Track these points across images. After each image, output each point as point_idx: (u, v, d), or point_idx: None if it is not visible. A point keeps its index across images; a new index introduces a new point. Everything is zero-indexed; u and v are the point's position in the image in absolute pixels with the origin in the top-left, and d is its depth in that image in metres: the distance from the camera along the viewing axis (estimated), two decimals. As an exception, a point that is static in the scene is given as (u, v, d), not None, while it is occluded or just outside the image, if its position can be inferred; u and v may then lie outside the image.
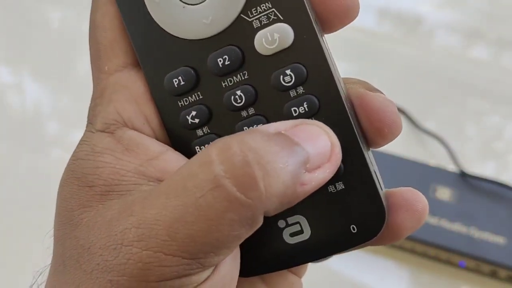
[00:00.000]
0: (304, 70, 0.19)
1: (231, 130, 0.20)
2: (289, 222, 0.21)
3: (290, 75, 0.19)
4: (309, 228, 0.21)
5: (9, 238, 0.50)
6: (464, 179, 0.52)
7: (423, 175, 0.52)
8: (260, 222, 0.18)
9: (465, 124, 0.60)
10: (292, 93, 0.20)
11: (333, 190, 0.20)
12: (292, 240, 0.21)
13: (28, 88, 0.64)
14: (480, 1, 0.70)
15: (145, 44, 0.20)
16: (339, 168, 0.19)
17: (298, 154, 0.18)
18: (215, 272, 0.19)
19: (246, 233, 0.18)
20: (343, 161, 0.19)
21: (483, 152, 0.58)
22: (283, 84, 0.20)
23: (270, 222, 0.20)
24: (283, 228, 0.21)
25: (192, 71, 0.20)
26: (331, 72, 0.20)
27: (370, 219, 0.20)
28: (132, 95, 0.21)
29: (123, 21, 0.21)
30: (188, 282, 0.18)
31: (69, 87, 0.64)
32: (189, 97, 0.20)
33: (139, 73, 0.21)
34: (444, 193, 0.51)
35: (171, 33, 0.20)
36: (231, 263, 0.20)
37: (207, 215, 0.17)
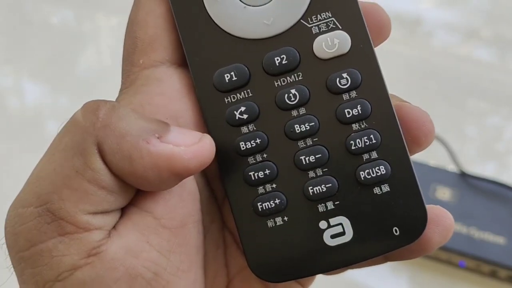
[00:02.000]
0: (359, 75, 0.21)
1: (279, 129, 0.21)
2: (331, 224, 0.21)
3: (346, 78, 0.20)
4: (351, 230, 0.21)
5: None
6: (464, 179, 0.52)
7: (423, 175, 0.52)
8: (92, 161, 0.18)
9: (465, 124, 0.60)
10: (345, 96, 0.21)
11: (379, 192, 0.21)
12: (333, 242, 0.21)
13: (27, 88, 0.64)
14: (480, 1, 0.70)
15: (196, 38, 0.21)
16: (386, 171, 0.20)
17: (155, 122, 0.19)
18: (112, 237, 0.18)
19: (83, 170, 0.18)
20: (390, 164, 0.20)
21: (483, 152, 0.58)
22: (338, 86, 0.20)
23: (311, 222, 0.21)
24: (325, 230, 0.21)
25: (245, 68, 0.21)
26: (383, 80, 0.21)
27: (412, 222, 0.21)
28: (165, 90, 0.21)
29: (173, 14, 0.21)
30: (61, 248, 0.17)
31: (69, 87, 0.64)
32: (238, 94, 0.21)
33: (177, 70, 0.21)
34: (444, 193, 0.51)
35: (228, 31, 0.21)
36: (135, 232, 0.19)
37: (51, 144, 0.18)
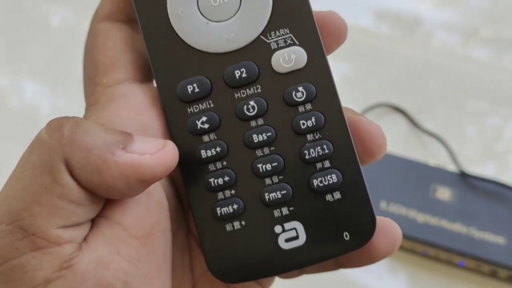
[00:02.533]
0: (314, 89, 0.22)
1: (239, 138, 0.22)
2: (286, 228, 0.22)
3: (302, 91, 0.22)
4: (304, 234, 0.22)
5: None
6: (464, 179, 0.52)
7: (423, 175, 0.52)
8: (60, 177, 0.18)
9: (465, 124, 0.60)
10: (301, 109, 0.22)
11: (330, 199, 0.22)
12: (287, 246, 0.22)
13: (27, 88, 0.64)
14: (480, 1, 0.70)
15: (161, 51, 0.22)
16: (338, 179, 0.22)
17: (118, 133, 0.19)
18: (84, 250, 0.19)
19: (52, 187, 0.18)
20: (341, 172, 0.22)
21: (483, 152, 0.58)
22: (294, 99, 0.22)
23: (267, 227, 0.22)
24: (279, 234, 0.22)
25: (207, 80, 0.22)
26: (336, 93, 0.22)
27: (362, 228, 0.22)
28: (130, 103, 0.22)
29: (139, 27, 0.22)
30: (33, 263, 0.18)
31: (68, 87, 0.64)
32: (200, 105, 0.22)
33: (139, 86, 0.22)
34: (444, 193, 0.51)
35: (191, 45, 0.22)
36: (105, 244, 0.19)
37: (18, 164, 0.19)
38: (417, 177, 0.52)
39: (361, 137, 0.22)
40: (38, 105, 0.63)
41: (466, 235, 0.48)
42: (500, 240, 0.48)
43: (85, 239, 0.19)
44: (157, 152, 0.20)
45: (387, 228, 0.23)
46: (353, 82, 0.62)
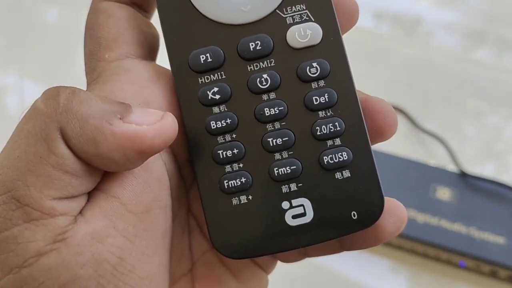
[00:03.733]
0: (328, 66, 0.22)
1: (249, 111, 0.22)
2: (293, 204, 0.22)
3: (316, 67, 0.21)
4: (312, 211, 0.22)
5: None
6: (464, 179, 0.52)
7: (423, 175, 0.52)
8: (55, 146, 0.18)
9: (465, 124, 0.60)
10: (314, 85, 0.22)
11: (340, 177, 0.22)
12: (293, 222, 0.22)
13: (27, 88, 0.64)
14: (480, 1, 0.70)
15: (174, 19, 0.22)
16: (348, 157, 0.21)
17: (116, 103, 0.19)
18: (79, 223, 0.18)
19: (47, 156, 0.18)
20: (352, 151, 0.21)
21: (483, 152, 0.58)
22: (308, 75, 0.21)
23: (274, 202, 0.22)
24: (287, 210, 0.22)
25: (221, 51, 0.21)
26: (350, 71, 0.22)
27: (370, 207, 0.22)
28: (134, 78, 0.21)
29: None
30: (26, 235, 0.17)
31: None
32: (211, 75, 0.22)
33: (142, 62, 0.22)
34: (444, 193, 0.51)
35: (206, 14, 0.22)
36: (102, 218, 0.19)
37: (13, 132, 0.18)
38: (417, 177, 0.52)
39: (373, 116, 0.22)
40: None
41: (466, 235, 0.48)
42: (500, 240, 0.48)
43: (80, 212, 0.19)
44: (156, 123, 0.19)
45: (393, 209, 0.22)
46: (353, 82, 0.62)
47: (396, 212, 0.22)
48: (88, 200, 0.19)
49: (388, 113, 0.22)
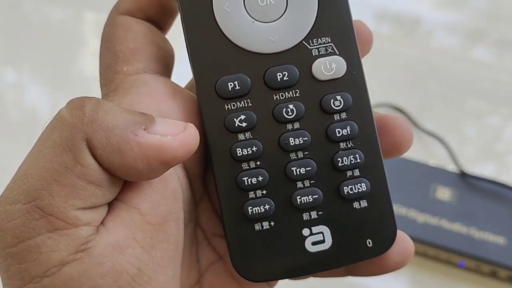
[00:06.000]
0: (351, 99, 0.22)
1: (274, 139, 0.22)
2: (313, 231, 0.22)
3: (339, 100, 0.22)
4: (330, 238, 0.22)
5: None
6: (464, 179, 0.52)
7: (423, 175, 0.52)
8: (82, 157, 0.18)
9: (465, 124, 0.60)
10: (336, 117, 0.22)
11: (358, 207, 0.23)
12: (313, 249, 0.22)
13: (27, 88, 0.64)
14: (480, 1, 0.70)
15: (202, 44, 0.22)
16: (366, 188, 0.22)
17: (139, 114, 0.19)
18: (101, 233, 0.19)
19: (73, 166, 0.18)
20: (370, 182, 0.22)
21: (483, 152, 0.58)
22: (331, 107, 0.22)
23: (295, 229, 0.22)
24: (307, 236, 0.22)
25: (248, 79, 0.22)
26: (370, 104, 0.23)
27: (384, 236, 0.23)
28: (152, 92, 0.21)
29: (181, 17, 0.22)
30: (50, 244, 0.18)
31: (68, 87, 0.64)
32: (238, 102, 0.22)
33: (160, 77, 0.22)
34: (444, 193, 0.51)
35: (235, 42, 0.22)
36: (123, 228, 0.19)
37: (37, 142, 0.18)
38: (417, 177, 0.52)
39: (391, 132, 0.23)
40: (37, 105, 0.63)
41: (466, 235, 0.48)
42: (500, 240, 0.48)
43: (102, 222, 0.19)
44: (179, 134, 0.19)
45: (401, 240, 0.23)
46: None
47: (403, 243, 0.23)
48: (108, 210, 0.20)
49: (406, 129, 0.23)
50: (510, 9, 0.70)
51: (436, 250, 0.48)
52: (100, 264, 0.18)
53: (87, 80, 0.64)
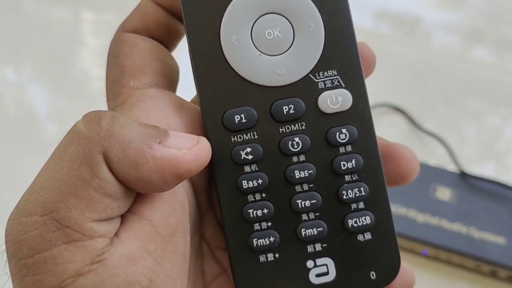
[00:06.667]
0: (356, 132, 0.23)
1: (280, 172, 0.22)
2: (318, 264, 0.23)
3: (345, 133, 0.22)
4: (334, 270, 0.23)
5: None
6: (464, 179, 0.52)
7: (423, 175, 0.52)
8: (99, 170, 0.18)
9: (465, 124, 0.60)
10: (342, 149, 0.23)
11: (362, 239, 0.23)
12: (317, 281, 0.23)
13: (26, 88, 0.64)
14: (480, 1, 0.70)
15: (209, 76, 0.22)
16: (371, 221, 0.23)
17: (154, 128, 0.20)
18: (115, 245, 0.19)
19: (90, 179, 0.18)
20: (374, 215, 0.23)
21: (483, 152, 0.58)
22: (337, 140, 0.22)
23: (300, 261, 0.23)
24: (311, 268, 0.23)
25: (255, 112, 0.22)
26: (375, 137, 0.23)
27: (387, 268, 0.23)
28: (159, 105, 0.22)
29: (188, 49, 0.22)
30: (65, 256, 0.18)
31: (68, 88, 0.64)
32: (244, 135, 0.22)
33: (165, 92, 0.23)
34: (444, 193, 0.51)
35: (242, 75, 0.22)
36: (136, 240, 0.19)
37: (54, 155, 0.19)
38: (417, 177, 0.52)
39: (397, 161, 0.24)
40: (37, 105, 0.63)
41: (466, 235, 0.48)
42: (500, 240, 0.48)
43: (116, 233, 0.19)
44: (193, 147, 0.20)
45: (403, 272, 0.24)
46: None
47: (406, 275, 0.24)
48: (121, 222, 0.20)
49: (412, 159, 0.24)
50: (510, 9, 0.70)
51: (436, 250, 0.48)
52: (115, 276, 0.18)
53: (87, 79, 0.64)
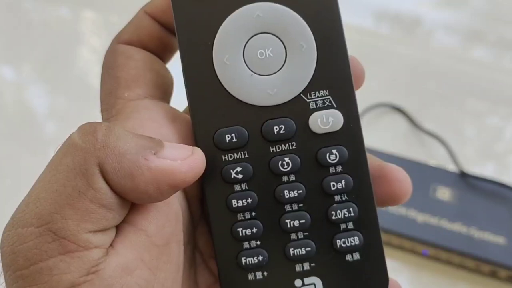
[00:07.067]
0: (347, 152, 0.22)
1: (269, 191, 0.22)
2: (306, 283, 0.23)
3: (335, 154, 0.22)
4: None
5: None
6: (464, 179, 0.52)
7: (423, 175, 0.52)
8: (95, 181, 0.18)
9: (465, 124, 0.60)
10: (332, 170, 0.23)
11: (350, 259, 0.23)
12: None
13: (26, 88, 0.64)
14: (480, 2, 0.70)
15: (201, 95, 0.22)
16: (359, 242, 0.23)
17: (149, 139, 0.20)
18: (111, 256, 0.19)
19: (86, 190, 0.18)
20: (363, 235, 0.23)
21: (483, 152, 0.58)
22: (327, 160, 0.22)
23: (288, 280, 0.23)
24: (299, 287, 0.23)
25: (245, 131, 0.22)
26: (366, 157, 0.23)
27: (376, 287, 0.23)
28: (153, 116, 0.22)
29: (182, 68, 0.22)
30: (61, 267, 0.18)
31: (67, 87, 0.64)
32: (235, 154, 0.22)
33: (159, 102, 0.23)
34: (444, 193, 0.51)
35: (233, 94, 0.22)
36: (131, 250, 0.20)
37: (49, 166, 0.19)
38: (417, 177, 0.52)
39: (390, 183, 0.24)
40: (36, 105, 0.62)
41: (466, 235, 0.48)
42: (500, 240, 0.48)
43: (111, 244, 0.19)
44: (188, 158, 0.20)
45: None
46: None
47: None
48: (116, 233, 0.20)
49: (405, 181, 0.24)
50: (510, 9, 0.70)
51: (435, 250, 0.48)
52: (110, 286, 0.18)
53: (86, 79, 0.64)
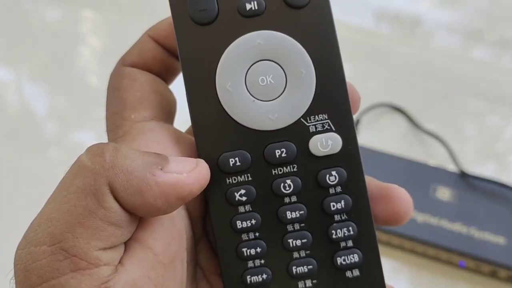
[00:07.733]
0: (346, 174, 0.23)
1: (272, 212, 0.23)
2: None
3: (335, 175, 0.23)
4: None
5: (6, 239, 0.50)
6: (464, 179, 0.52)
7: (423, 175, 0.52)
8: (105, 200, 0.19)
9: (465, 124, 0.60)
10: (331, 190, 0.23)
11: (350, 276, 0.24)
12: None
13: (26, 88, 0.64)
14: (480, 1, 0.70)
15: (205, 120, 0.23)
16: (359, 259, 0.23)
17: (154, 155, 0.21)
18: (120, 273, 0.20)
19: (96, 210, 0.19)
20: (362, 253, 0.24)
21: (483, 152, 0.58)
22: (327, 182, 0.23)
23: None
24: None
25: (248, 155, 0.23)
26: (364, 178, 0.24)
27: None
28: (159, 138, 0.23)
29: (186, 94, 0.23)
30: (72, 284, 0.19)
31: (67, 88, 0.64)
32: (239, 177, 0.23)
33: (165, 125, 0.24)
34: (444, 193, 0.51)
35: (236, 119, 0.23)
36: (139, 268, 0.20)
37: (60, 187, 0.20)
38: (417, 177, 0.52)
39: (392, 202, 0.24)
40: (36, 106, 0.62)
41: (466, 235, 0.48)
42: (500, 240, 0.48)
43: (120, 261, 0.20)
44: (193, 171, 0.21)
45: None
46: (353, 82, 0.62)
47: None
48: (125, 250, 0.21)
49: (407, 202, 0.25)
50: (510, 9, 0.70)
51: (436, 250, 0.48)
52: None
53: (86, 79, 0.64)
